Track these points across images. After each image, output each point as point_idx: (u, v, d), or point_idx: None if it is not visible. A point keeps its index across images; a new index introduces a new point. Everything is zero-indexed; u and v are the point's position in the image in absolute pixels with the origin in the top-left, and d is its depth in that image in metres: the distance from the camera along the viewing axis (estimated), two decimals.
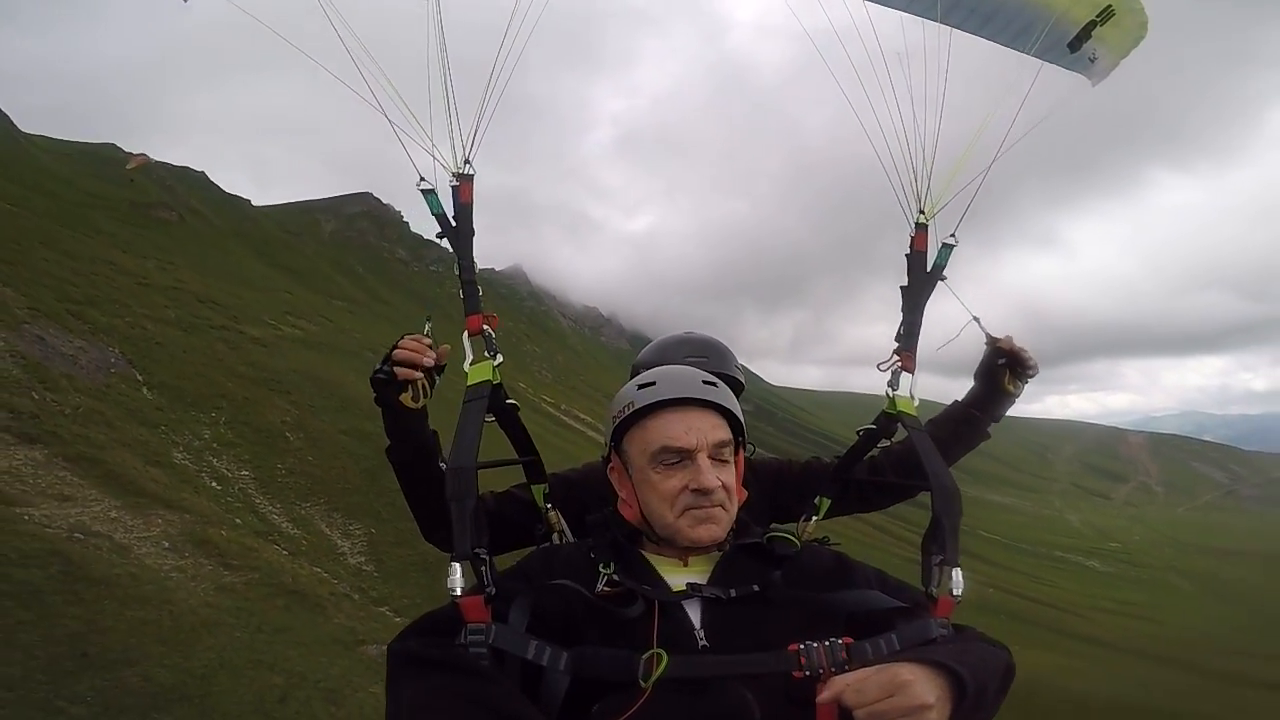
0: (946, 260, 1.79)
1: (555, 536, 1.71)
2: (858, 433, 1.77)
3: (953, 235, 1.79)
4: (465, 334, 1.55)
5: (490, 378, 1.47)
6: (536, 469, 1.69)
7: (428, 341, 1.56)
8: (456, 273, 1.61)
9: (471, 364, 1.51)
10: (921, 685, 0.97)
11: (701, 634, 1.17)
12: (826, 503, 1.86)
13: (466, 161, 1.62)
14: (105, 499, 8.07)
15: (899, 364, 1.72)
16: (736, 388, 1.88)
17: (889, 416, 1.68)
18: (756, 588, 1.23)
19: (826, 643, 1.11)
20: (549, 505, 1.70)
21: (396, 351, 1.50)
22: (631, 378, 1.77)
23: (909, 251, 1.79)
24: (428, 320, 1.65)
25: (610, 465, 1.42)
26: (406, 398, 1.50)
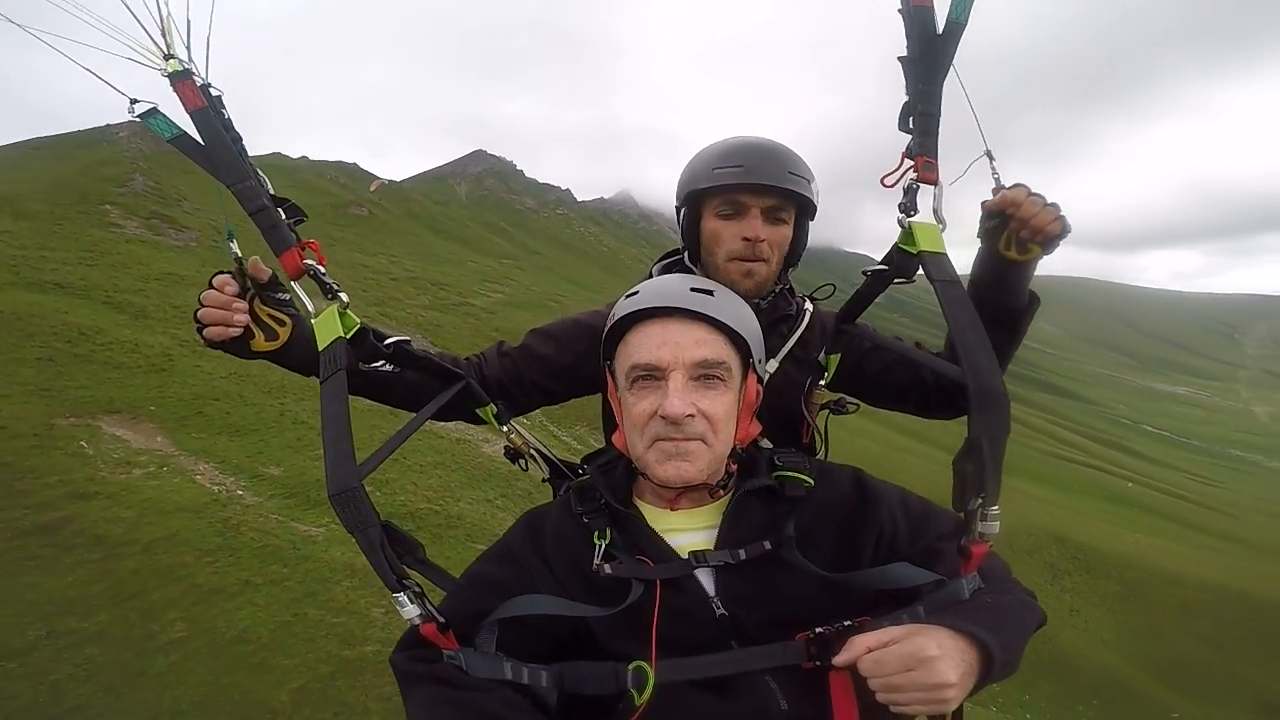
0: (967, 12, 1.13)
1: (524, 462, 1.47)
2: (864, 273, 1.26)
3: None
4: (290, 282, 1.16)
5: (340, 331, 1.11)
6: (472, 392, 1.36)
7: (231, 289, 1.17)
8: (239, 202, 1.12)
9: (314, 319, 1.13)
10: (946, 662, 0.89)
11: (718, 602, 1.05)
12: (835, 360, 1.47)
13: (168, 56, 1.08)
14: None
15: (913, 174, 1.15)
16: (807, 208, 1.44)
17: (905, 254, 1.15)
18: (767, 545, 1.08)
19: (839, 627, 0.98)
20: (505, 427, 1.41)
21: (200, 312, 1.16)
22: (678, 211, 1.50)
23: (903, 5, 1.15)
24: (230, 239, 1.17)
25: (609, 386, 1.21)
26: (259, 342, 1.19)
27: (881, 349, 1.46)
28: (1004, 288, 1.33)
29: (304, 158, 56.97)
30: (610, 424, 1.39)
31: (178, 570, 5.82)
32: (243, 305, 1.18)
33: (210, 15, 1.08)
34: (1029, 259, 1.29)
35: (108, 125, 31.46)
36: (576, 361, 1.48)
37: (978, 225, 1.33)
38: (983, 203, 1.31)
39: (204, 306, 1.16)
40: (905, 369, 1.50)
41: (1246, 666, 15.12)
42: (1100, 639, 15.54)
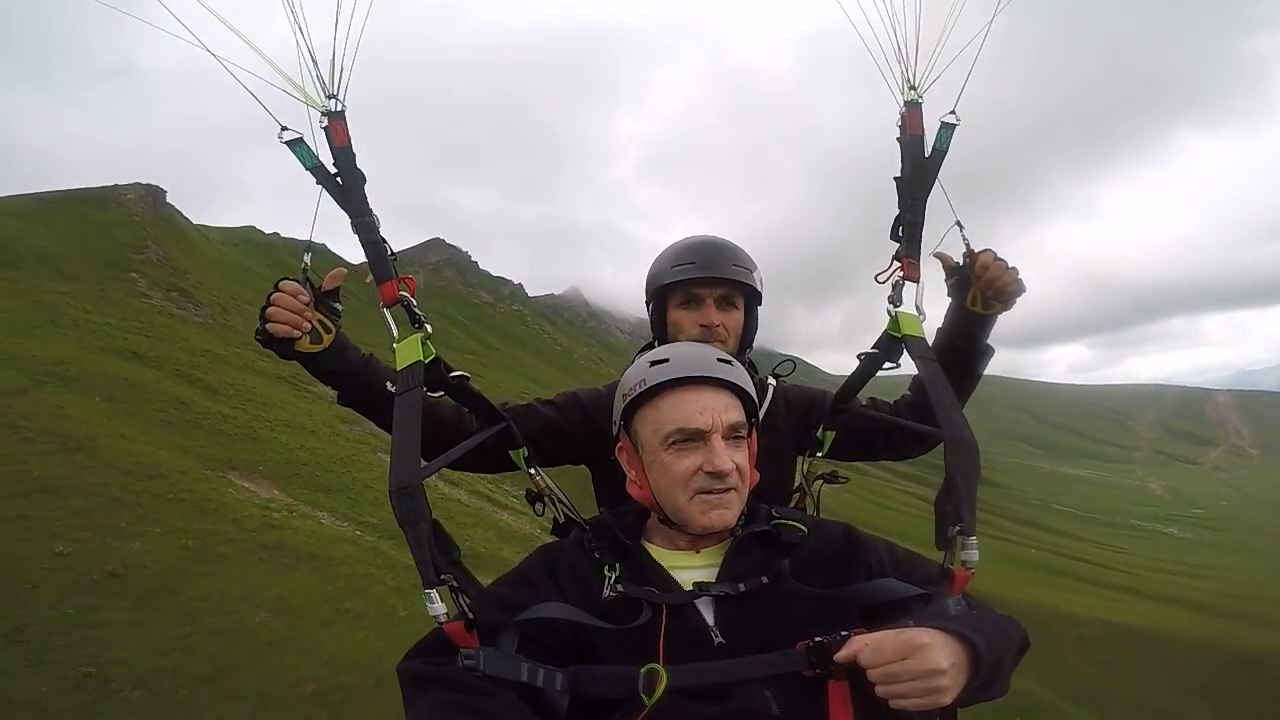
0: (949, 143, 1.49)
1: (544, 500, 1.64)
2: (858, 358, 1.56)
3: (953, 112, 1.48)
4: (383, 307, 1.35)
5: (420, 356, 1.31)
6: (509, 435, 1.57)
7: (304, 298, 1.38)
8: (353, 233, 1.36)
9: (397, 343, 1.33)
10: (937, 650, 0.98)
11: (716, 632, 1.15)
12: (830, 436, 1.72)
13: (331, 97, 1.34)
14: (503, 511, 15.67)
15: (900, 272, 1.48)
16: (754, 295, 1.74)
17: (892, 339, 1.46)
18: (765, 580, 1.20)
19: (837, 637, 1.07)
20: (532, 470, 1.61)
21: (270, 309, 1.35)
22: (647, 305, 1.77)
23: (901, 135, 1.50)
24: (307, 251, 1.39)
25: (619, 445, 1.35)
26: (304, 344, 1.38)
27: (845, 402, 1.70)
28: (969, 336, 1.66)
29: (275, 234, 55.10)
30: (603, 488, 1.74)
31: (373, 576, 7.67)
32: (311, 314, 1.39)
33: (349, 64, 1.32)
34: (991, 314, 1.62)
35: (115, 186, 31.54)
36: (573, 430, 1.71)
37: (944, 283, 1.63)
38: (945, 260, 1.63)
39: (274, 306, 1.35)
40: (867, 417, 1.75)
41: (1141, 687, 17.97)
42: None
